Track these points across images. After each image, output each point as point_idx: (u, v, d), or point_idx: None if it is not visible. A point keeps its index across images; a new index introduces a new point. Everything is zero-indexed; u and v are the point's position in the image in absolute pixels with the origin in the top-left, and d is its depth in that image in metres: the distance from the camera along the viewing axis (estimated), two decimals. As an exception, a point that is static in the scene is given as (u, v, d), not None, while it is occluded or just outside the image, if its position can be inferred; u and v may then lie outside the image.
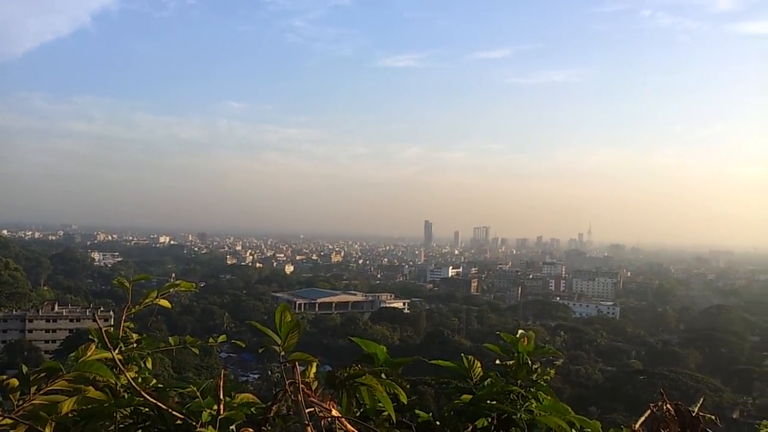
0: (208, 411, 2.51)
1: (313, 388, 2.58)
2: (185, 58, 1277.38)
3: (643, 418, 2.27)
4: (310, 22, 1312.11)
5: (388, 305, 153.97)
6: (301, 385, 2.37)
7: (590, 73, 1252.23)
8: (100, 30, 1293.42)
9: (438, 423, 3.14)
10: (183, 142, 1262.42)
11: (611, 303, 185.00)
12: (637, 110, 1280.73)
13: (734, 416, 78.93)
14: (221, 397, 2.52)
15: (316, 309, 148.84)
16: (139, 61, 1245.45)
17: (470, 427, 2.92)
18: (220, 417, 2.50)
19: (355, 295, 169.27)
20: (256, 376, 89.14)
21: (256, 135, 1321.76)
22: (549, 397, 3.22)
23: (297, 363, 2.50)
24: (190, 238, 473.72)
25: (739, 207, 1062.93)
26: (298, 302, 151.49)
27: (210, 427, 2.46)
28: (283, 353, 2.55)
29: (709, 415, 2.45)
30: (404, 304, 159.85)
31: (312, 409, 2.39)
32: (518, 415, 2.91)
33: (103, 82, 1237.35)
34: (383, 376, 2.91)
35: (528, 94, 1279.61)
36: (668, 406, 2.33)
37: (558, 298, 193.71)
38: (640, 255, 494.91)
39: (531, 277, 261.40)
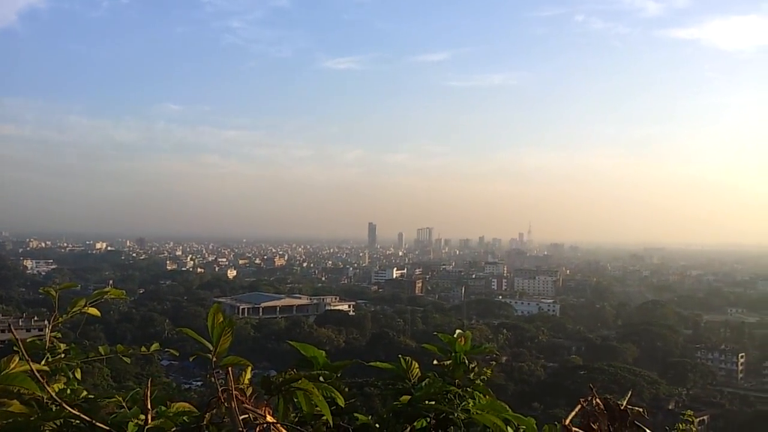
0: (135, 421, 2.44)
1: (248, 394, 2.54)
2: (120, 59, 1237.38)
3: (573, 413, 2.32)
4: (248, 23, 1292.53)
5: (333, 308, 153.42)
6: (235, 392, 2.33)
7: (528, 76, 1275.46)
8: (29, 29, 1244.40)
9: (378, 426, 3.14)
10: (119, 145, 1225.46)
11: (551, 300, 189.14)
12: (574, 112, 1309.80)
13: (670, 407, 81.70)
14: (149, 406, 2.45)
15: (260, 313, 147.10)
16: (71, 62, 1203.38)
17: (408, 428, 2.93)
18: (147, 427, 2.43)
19: (299, 298, 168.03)
20: (199, 383, 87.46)
21: (195, 137, 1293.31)
22: (486, 396, 3.26)
23: (231, 368, 2.45)
24: (128, 244, 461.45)
25: (671, 205, 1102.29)
26: (241, 307, 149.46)
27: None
28: (215, 359, 2.50)
29: (636, 408, 2.52)
30: (349, 306, 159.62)
31: (246, 416, 2.35)
32: (455, 415, 2.94)
33: (33, 84, 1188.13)
34: (321, 379, 2.90)
35: (468, 96, 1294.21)
36: (598, 400, 2.39)
37: (500, 297, 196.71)
38: (579, 253, 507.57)
39: (474, 276, 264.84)
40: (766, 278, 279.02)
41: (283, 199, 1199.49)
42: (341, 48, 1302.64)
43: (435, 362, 3.34)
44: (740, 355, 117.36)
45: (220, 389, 2.37)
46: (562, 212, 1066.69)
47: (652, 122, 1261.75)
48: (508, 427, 2.81)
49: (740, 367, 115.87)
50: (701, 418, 79.55)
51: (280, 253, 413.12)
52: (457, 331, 3.46)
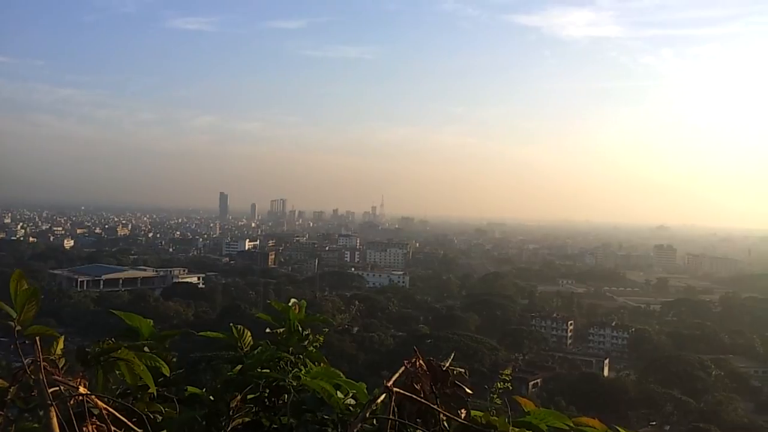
0: None
1: (61, 366, 2.38)
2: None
3: (396, 375, 2.40)
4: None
5: (181, 280, 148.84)
6: (44, 363, 2.16)
7: (382, 51, 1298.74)
8: None
9: (212, 397, 3.07)
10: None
11: (402, 272, 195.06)
12: (425, 90, 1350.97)
13: (507, 372, 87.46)
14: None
15: (101, 286, 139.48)
16: None
17: (238, 397, 2.89)
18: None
19: (144, 270, 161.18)
20: (28, 360, 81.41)
21: (25, 94, 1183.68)
22: (321, 363, 3.30)
23: (38, 338, 2.27)
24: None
25: (513, 183, 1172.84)
26: (80, 279, 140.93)
27: None
28: (19, 328, 2.31)
29: (458, 369, 2.65)
30: (199, 278, 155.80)
31: (57, 388, 2.20)
32: (287, 381, 2.94)
33: None
34: (146, 349, 2.79)
35: (323, 67, 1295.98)
36: (421, 362, 2.49)
37: (353, 269, 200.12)
38: (428, 227, 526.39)
39: (327, 248, 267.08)
40: (592, 252, 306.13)
41: (126, 165, 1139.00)
42: (191, 7, 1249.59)
43: (267, 330, 3.33)
44: (569, 322, 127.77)
45: (25, 361, 2.20)
46: (414, 187, 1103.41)
47: (497, 103, 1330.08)
48: (338, 392, 2.86)
49: (569, 334, 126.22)
50: (535, 381, 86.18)
51: (123, 222, 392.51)
52: (292, 300, 3.46)
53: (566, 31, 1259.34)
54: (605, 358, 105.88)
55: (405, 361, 2.48)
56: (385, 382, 2.31)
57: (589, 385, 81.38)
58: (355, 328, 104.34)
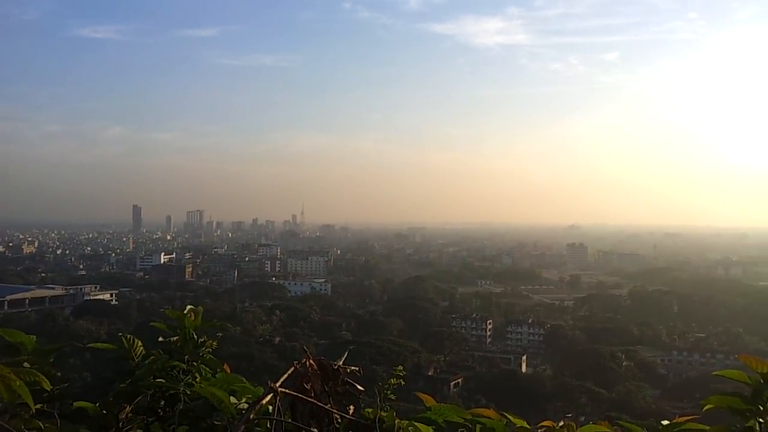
0: None
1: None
2: None
3: (285, 376, 2.40)
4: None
5: (92, 298, 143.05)
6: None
7: (299, 59, 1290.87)
8: None
9: (104, 411, 2.97)
10: None
11: (323, 280, 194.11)
12: (342, 97, 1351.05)
13: (429, 373, 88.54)
14: None
15: (5, 307, 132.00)
16: None
17: (128, 408, 2.81)
18: None
19: (53, 288, 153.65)
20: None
21: None
22: (219, 370, 3.24)
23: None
24: None
25: (432, 188, 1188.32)
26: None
27: None
28: None
29: (351, 367, 2.67)
30: (111, 295, 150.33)
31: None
32: (181, 390, 2.89)
33: None
34: (27, 365, 2.67)
35: (239, 76, 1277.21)
36: (311, 361, 2.50)
37: (274, 279, 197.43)
38: (349, 234, 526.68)
39: (247, 259, 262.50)
40: (509, 253, 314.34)
41: (32, 179, 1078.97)
42: (97, 15, 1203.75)
43: (160, 339, 3.26)
44: (488, 321, 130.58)
45: None
46: (333, 194, 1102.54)
47: (414, 109, 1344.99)
48: (233, 397, 2.83)
49: (488, 333, 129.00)
50: (456, 381, 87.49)
51: (29, 239, 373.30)
52: (188, 306, 3.41)
53: (479, 39, 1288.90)
54: (523, 355, 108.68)
55: (294, 362, 2.48)
56: (270, 382, 2.30)
57: (507, 381, 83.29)
58: (277, 339, 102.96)
